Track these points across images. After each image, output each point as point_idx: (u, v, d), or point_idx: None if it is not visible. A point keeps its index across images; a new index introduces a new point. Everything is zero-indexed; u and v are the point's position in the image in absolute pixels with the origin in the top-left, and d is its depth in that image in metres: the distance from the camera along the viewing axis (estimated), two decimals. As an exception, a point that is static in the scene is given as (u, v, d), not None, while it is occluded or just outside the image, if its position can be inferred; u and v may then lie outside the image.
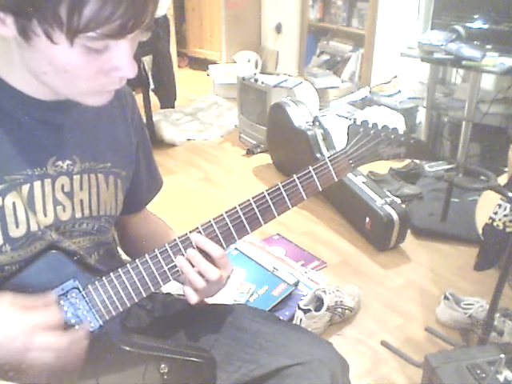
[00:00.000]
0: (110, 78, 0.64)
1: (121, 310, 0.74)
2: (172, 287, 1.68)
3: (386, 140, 0.81)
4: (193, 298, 0.78)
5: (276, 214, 0.77)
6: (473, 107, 2.47)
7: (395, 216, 2.06)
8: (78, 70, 0.60)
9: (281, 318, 0.98)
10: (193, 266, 0.75)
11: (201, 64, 5.12)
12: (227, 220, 0.76)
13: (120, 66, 0.62)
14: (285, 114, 2.63)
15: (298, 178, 0.77)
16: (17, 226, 0.69)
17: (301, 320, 1.60)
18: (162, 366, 0.77)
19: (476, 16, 2.38)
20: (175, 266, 0.75)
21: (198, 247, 0.75)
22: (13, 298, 0.66)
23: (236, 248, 1.99)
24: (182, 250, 0.75)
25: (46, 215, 0.72)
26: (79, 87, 0.64)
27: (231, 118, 3.70)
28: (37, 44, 0.58)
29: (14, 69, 0.65)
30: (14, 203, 0.68)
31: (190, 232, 0.75)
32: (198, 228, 0.75)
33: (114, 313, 0.74)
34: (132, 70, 0.62)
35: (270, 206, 0.76)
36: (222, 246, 0.77)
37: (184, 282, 0.80)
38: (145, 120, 3.15)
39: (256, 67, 4.70)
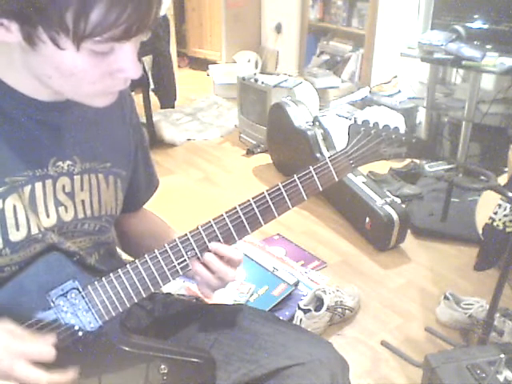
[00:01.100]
0: (115, 80, 0.64)
1: (120, 310, 0.74)
2: (172, 287, 1.69)
3: (387, 140, 0.81)
4: (210, 296, 0.81)
5: (276, 215, 0.78)
6: (473, 107, 2.46)
7: (395, 216, 2.06)
8: (84, 73, 0.61)
9: (281, 318, 0.98)
10: (209, 269, 0.76)
11: (201, 64, 5.12)
12: (227, 220, 0.76)
13: (125, 68, 0.62)
14: (285, 114, 2.63)
15: (298, 177, 0.77)
16: (17, 229, 0.69)
17: (301, 320, 1.60)
18: (162, 366, 0.77)
19: (476, 16, 2.38)
20: (175, 266, 0.75)
21: (216, 254, 0.76)
22: (11, 326, 0.66)
23: (236, 248, 1.99)
24: (182, 250, 0.75)
25: (48, 216, 0.72)
26: (84, 90, 0.64)
27: (231, 118, 3.70)
28: (42, 49, 0.58)
29: (14, 70, 0.65)
30: (14, 206, 0.68)
31: (190, 232, 0.75)
32: (198, 228, 0.75)
33: (113, 313, 0.74)
34: (137, 71, 0.63)
35: (270, 206, 0.76)
36: None
37: (197, 281, 0.81)
38: (145, 120, 3.15)
39: (256, 67, 4.70)
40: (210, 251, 0.76)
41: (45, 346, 0.66)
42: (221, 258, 0.77)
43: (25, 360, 0.63)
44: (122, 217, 0.93)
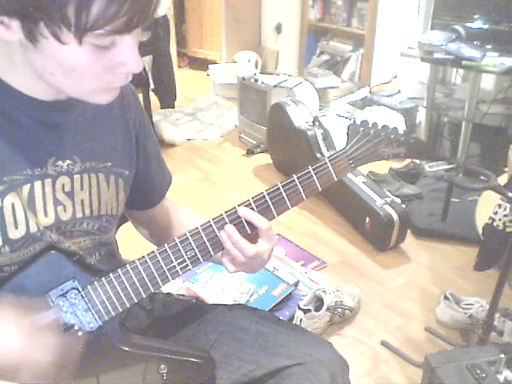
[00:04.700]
0: (117, 75, 0.64)
1: (120, 310, 0.74)
2: (172, 287, 1.69)
3: (385, 140, 0.81)
4: (230, 268, 0.79)
5: (275, 214, 0.78)
6: (473, 107, 2.46)
7: (395, 216, 2.06)
8: (87, 68, 0.61)
9: (281, 318, 0.98)
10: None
11: (201, 64, 5.12)
12: (226, 220, 0.76)
13: (126, 62, 0.62)
14: (285, 114, 2.63)
15: (297, 178, 0.77)
16: (16, 227, 0.69)
17: (301, 320, 1.60)
18: (162, 366, 0.77)
19: (476, 16, 2.38)
20: (175, 266, 0.75)
21: (245, 220, 0.75)
22: (11, 300, 0.66)
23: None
24: (182, 250, 0.75)
25: (46, 215, 0.72)
26: (87, 86, 0.64)
27: (231, 117, 3.70)
28: (44, 46, 0.58)
29: (14, 70, 0.65)
30: (13, 204, 0.68)
31: (189, 232, 0.75)
32: (197, 228, 0.75)
33: (113, 313, 0.74)
34: (138, 65, 0.63)
35: (269, 206, 0.76)
36: (221, 246, 0.77)
37: (222, 253, 0.80)
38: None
39: (256, 67, 4.70)
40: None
41: (50, 312, 0.69)
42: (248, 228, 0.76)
43: (36, 331, 0.65)
44: (145, 213, 0.95)
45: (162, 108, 3.84)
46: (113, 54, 0.61)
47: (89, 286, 0.72)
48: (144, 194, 0.92)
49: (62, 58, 0.59)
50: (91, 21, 0.55)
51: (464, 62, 2.27)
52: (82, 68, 0.60)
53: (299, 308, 1.61)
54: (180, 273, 0.76)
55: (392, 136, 0.81)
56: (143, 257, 0.74)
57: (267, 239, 0.78)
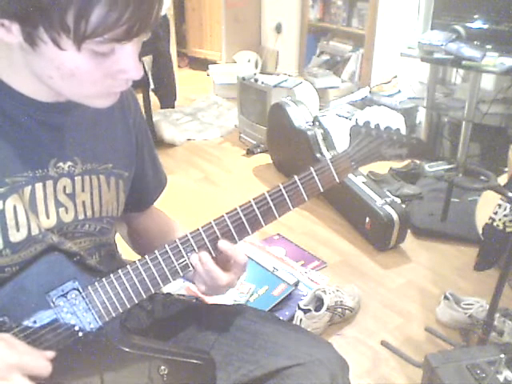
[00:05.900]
0: (116, 81, 0.64)
1: (120, 311, 0.74)
2: (172, 288, 1.69)
3: (388, 141, 0.81)
4: (202, 289, 0.81)
5: (277, 216, 0.78)
6: (473, 107, 2.47)
7: (395, 216, 2.06)
8: (86, 74, 0.61)
9: (281, 318, 0.98)
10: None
11: (201, 64, 5.12)
12: (228, 221, 0.76)
13: (126, 69, 0.62)
14: (285, 114, 2.63)
15: (299, 179, 0.77)
16: (17, 230, 0.68)
17: (301, 320, 1.60)
18: (162, 367, 0.77)
19: (476, 16, 2.38)
20: (175, 267, 0.75)
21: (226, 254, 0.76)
22: (10, 337, 0.66)
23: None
24: (183, 251, 0.75)
25: (48, 217, 0.72)
26: (86, 90, 0.64)
27: (231, 117, 3.70)
28: (43, 50, 0.58)
29: (14, 71, 0.65)
30: (14, 206, 0.68)
31: (191, 233, 0.75)
32: (198, 229, 0.75)
33: (113, 314, 0.74)
34: (138, 72, 0.63)
35: (270, 207, 0.77)
36: None
37: (193, 275, 0.81)
38: (145, 120, 3.15)
39: (256, 67, 4.70)
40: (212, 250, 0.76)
41: (42, 361, 0.66)
42: (225, 259, 0.77)
43: (21, 373, 0.62)
44: (132, 216, 0.94)
45: (162, 108, 3.84)
46: (112, 61, 0.61)
47: (89, 287, 0.72)
48: (136, 196, 0.91)
49: (61, 63, 0.59)
50: (90, 28, 0.55)
51: (464, 62, 2.27)
52: (81, 73, 0.60)
53: (299, 308, 1.61)
54: (180, 273, 0.76)
55: (394, 137, 0.82)
56: (144, 258, 0.75)
57: (241, 271, 0.79)
